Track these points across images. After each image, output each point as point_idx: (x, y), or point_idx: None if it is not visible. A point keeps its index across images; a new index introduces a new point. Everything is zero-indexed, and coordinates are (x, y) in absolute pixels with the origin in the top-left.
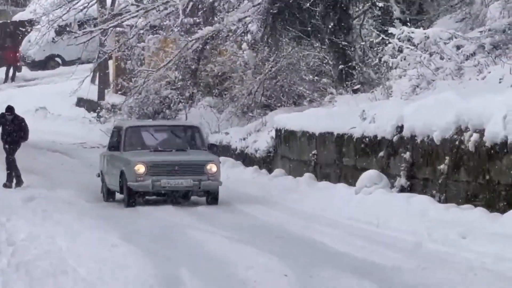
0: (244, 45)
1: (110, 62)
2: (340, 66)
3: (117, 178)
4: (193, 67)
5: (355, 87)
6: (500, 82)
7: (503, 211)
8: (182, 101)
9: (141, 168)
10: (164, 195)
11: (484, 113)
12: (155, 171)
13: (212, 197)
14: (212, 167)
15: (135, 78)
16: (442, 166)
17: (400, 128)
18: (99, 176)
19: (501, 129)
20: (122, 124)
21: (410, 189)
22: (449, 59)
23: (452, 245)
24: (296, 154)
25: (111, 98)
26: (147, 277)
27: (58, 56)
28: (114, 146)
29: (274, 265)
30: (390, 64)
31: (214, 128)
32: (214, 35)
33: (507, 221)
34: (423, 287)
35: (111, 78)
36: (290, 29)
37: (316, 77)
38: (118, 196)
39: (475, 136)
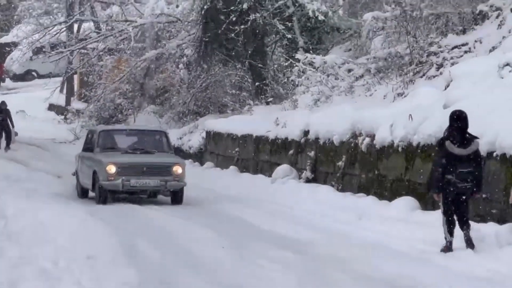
0: (181, 65)
1: (76, 76)
2: (256, 83)
3: (90, 177)
4: (140, 81)
5: (268, 100)
6: (384, 98)
7: (389, 199)
8: (131, 108)
9: (112, 168)
10: (133, 193)
11: (374, 122)
12: (125, 172)
13: (176, 197)
14: (177, 169)
15: (95, 89)
16: (340, 163)
17: (306, 132)
18: (74, 174)
19: (388, 135)
20: (96, 128)
21: (314, 180)
22: (342, 79)
23: (351, 225)
24: (222, 150)
25: (76, 104)
26: (112, 245)
27: (34, 70)
28: (88, 147)
29: (213, 238)
30: (296, 83)
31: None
32: (157, 57)
33: (393, 207)
34: (334, 258)
35: (76, 88)
36: (218, 53)
37: (237, 91)
38: (91, 194)
39: (367, 139)
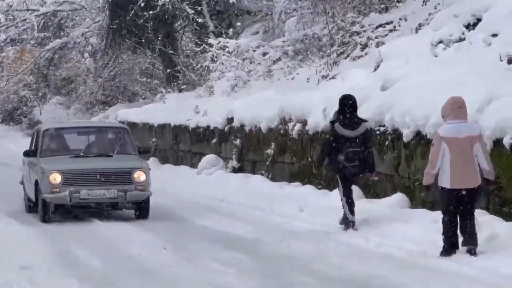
0: (86, 55)
1: None
2: (168, 70)
3: (33, 188)
4: (45, 72)
5: (181, 87)
6: (308, 81)
7: (328, 188)
8: (36, 99)
9: (57, 177)
10: (88, 207)
11: (305, 107)
12: (73, 181)
13: (141, 209)
14: (140, 175)
15: None
16: (269, 151)
17: (230, 120)
18: (22, 183)
19: (321, 120)
20: (40, 126)
21: (241, 169)
22: (259, 63)
23: (293, 218)
24: (138, 142)
25: None
26: (47, 253)
27: None
28: (31, 151)
29: (151, 239)
30: (211, 68)
31: (65, 121)
32: (62, 46)
33: (335, 196)
34: (290, 257)
35: None
36: (127, 40)
37: (148, 79)
38: None
39: (298, 125)
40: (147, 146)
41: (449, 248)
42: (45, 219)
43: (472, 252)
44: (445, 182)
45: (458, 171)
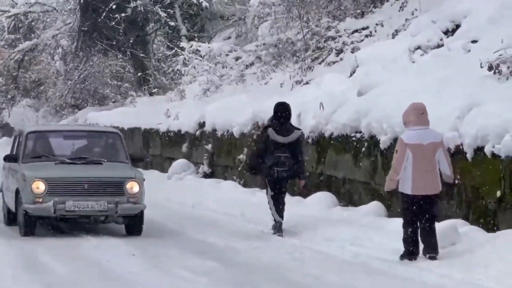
0: (56, 57)
1: None
2: (139, 74)
3: (14, 197)
4: (14, 74)
5: (152, 91)
6: (281, 86)
7: (304, 195)
8: (5, 101)
9: (40, 186)
10: (73, 220)
11: None
12: (58, 190)
13: (133, 225)
14: (133, 186)
15: None
16: (241, 156)
17: (202, 124)
18: (1, 191)
19: (296, 125)
20: (23, 128)
21: (212, 175)
22: (231, 68)
23: (266, 225)
24: None
25: None
26: (10, 258)
27: None
28: (12, 156)
29: (118, 244)
30: (182, 72)
31: (33, 123)
32: (32, 48)
33: (309, 204)
34: (263, 265)
35: None
36: (98, 42)
37: (119, 83)
38: None
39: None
40: (141, 154)
41: (409, 254)
42: (26, 233)
43: (432, 259)
44: (406, 188)
45: (420, 177)
